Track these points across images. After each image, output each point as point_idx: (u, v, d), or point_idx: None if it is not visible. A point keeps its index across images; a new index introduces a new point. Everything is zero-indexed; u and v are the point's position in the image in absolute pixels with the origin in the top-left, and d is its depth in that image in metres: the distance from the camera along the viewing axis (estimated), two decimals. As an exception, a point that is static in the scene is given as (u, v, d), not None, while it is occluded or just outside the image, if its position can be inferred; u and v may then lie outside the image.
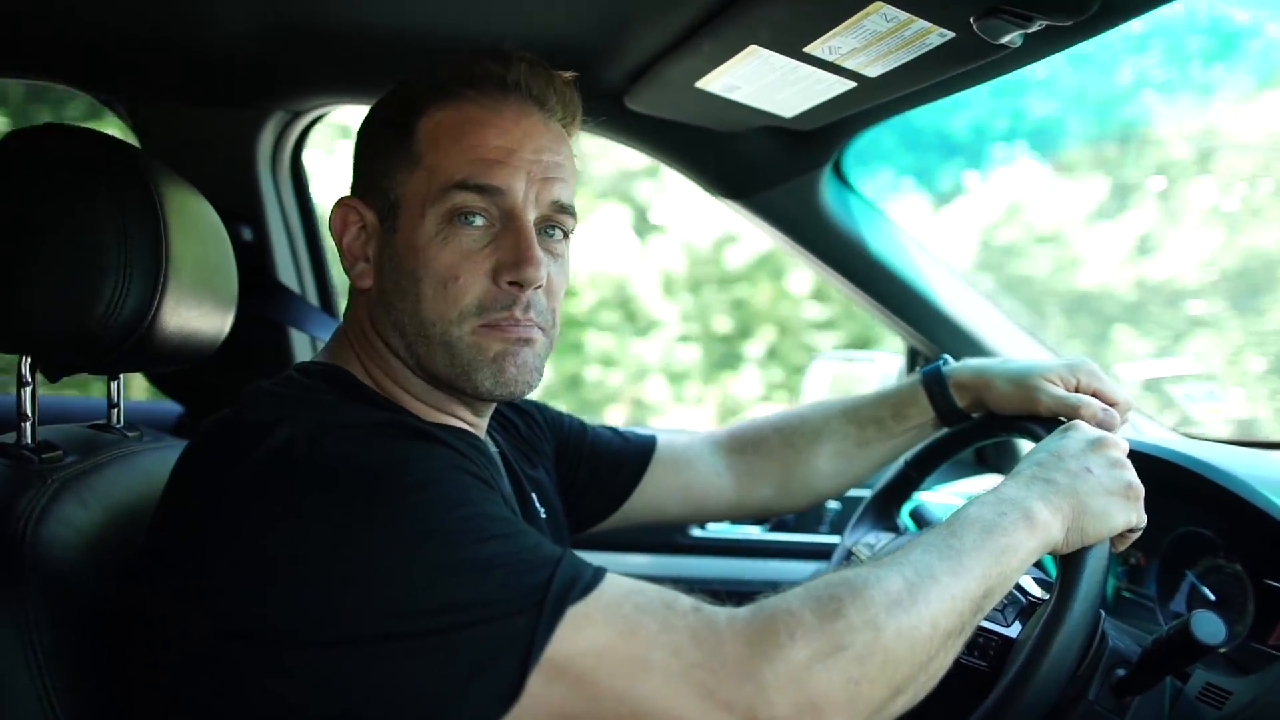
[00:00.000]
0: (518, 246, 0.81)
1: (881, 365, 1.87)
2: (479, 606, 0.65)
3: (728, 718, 0.65)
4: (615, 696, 0.65)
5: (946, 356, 1.19)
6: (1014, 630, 0.90)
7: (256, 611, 0.66)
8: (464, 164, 0.82)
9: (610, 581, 0.69)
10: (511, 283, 0.81)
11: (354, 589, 0.65)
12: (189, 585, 0.69)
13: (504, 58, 0.86)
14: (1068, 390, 1.04)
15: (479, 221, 0.82)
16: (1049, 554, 0.83)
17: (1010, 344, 1.67)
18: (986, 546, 0.76)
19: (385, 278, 0.86)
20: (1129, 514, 0.84)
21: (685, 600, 0.69)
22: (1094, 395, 1.03)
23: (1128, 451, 0.89)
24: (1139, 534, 0.86)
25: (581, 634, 0.65)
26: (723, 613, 0.68)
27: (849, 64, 1.09)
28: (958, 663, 0.85)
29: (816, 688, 0.65)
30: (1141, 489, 0.85)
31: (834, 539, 1.56)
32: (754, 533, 1.85)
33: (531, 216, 0.84)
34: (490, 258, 0.82)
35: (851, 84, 1.15)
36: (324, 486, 0.69)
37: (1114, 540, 0.85)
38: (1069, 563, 0.83)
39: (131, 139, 1.53)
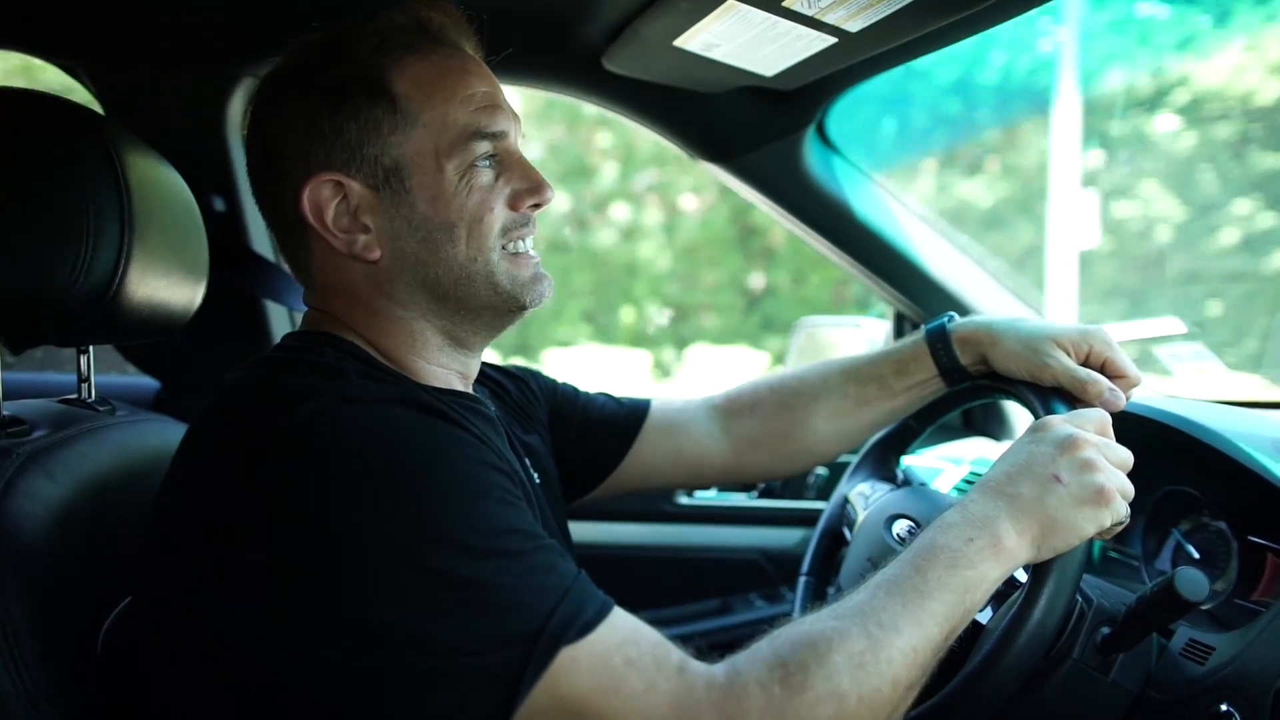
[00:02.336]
0: (529, 175, 0.89)
1: (868, 330, 1.86)
2: (474, 634, 0.66)
3: None
4: None
5: (952, 314, 1.15)
6: (985, 615, 0.89)
7: (262, 594, 0.67)
8: (468, 115, 0.86)
9: (609, 624, 0.69)
10: (533, 205, 0.90)
11: (356, 585, 0.66)
12: (204, 563, 0.69)
13: (436, 6, 0.89)
14: (1078, 358, 1.01)
15: (488, 163, 0.88)
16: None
17: (996, 306, 1.66)
18: (951, 584, 0.76)
19: (405, 239, 0.85)
20: (1100, 520, 0.80)
21: (674, 658, 0.70)
22: (1104, 366, 1.01)
23: (1111, 428, 0.87)
24: (1123, 526, 0.83)
25: (568, 679, 0.66)
26: (702, 677, 0.69)
27: (830, 18, 1.06)
28: None
29: None
30: (1116, 485, 0.81)
31: (820, 504, 1.55)
32: (741, 499, 1.85)
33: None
34: (505, 189, 0.88)
35: (833, 39, 1.13)
36: (341, 468, 0.69)
37: (1099, 532, 0.83)
38: (1042, 564, 0.82)
39: (97, 108, 1.49)
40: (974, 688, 0.80)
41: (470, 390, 0.95)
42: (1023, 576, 0.91)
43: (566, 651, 0.66)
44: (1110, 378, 0.99)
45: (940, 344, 1.12)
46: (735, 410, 1.24)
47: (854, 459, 1.27)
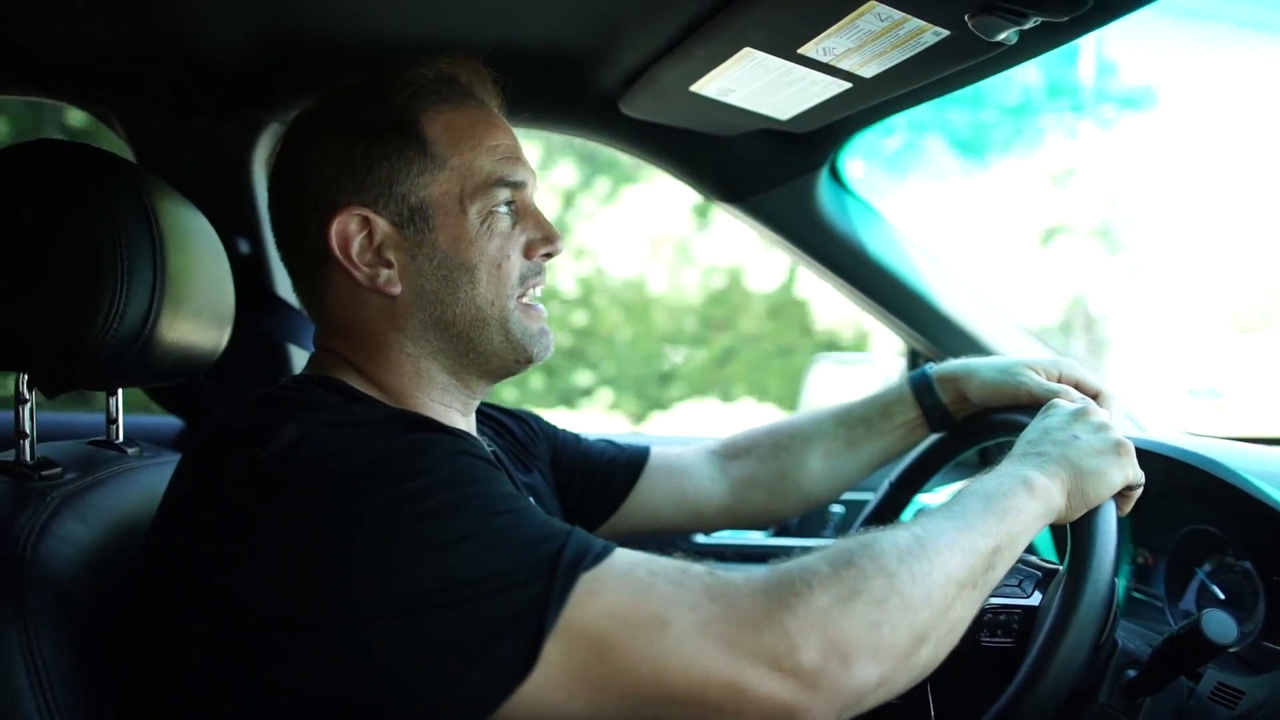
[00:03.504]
0: (543, 225, 0.93)
1: (882, 368, 1.86)
2: (490, 579, 0.65)
3: (754, 667, 0.65)
4: (637, 657, 0.65)
5: (931, 364, 1.22)
6: (1035, 600, 0.90)
7: (267, 603, 0.67)
8: (493, 163, 0.90)
9: (621, 551, 0.70)
10: (545, 255, 0.93)
11: (363, 572, 0.66)
12: (195, 586, 0.69)
13: (472, 64, 0.95)
14: (1050, 380, 1.07)
15: (507, 210, 0.91)
16: (1056, 522, 0.84)
17: (1010, 344, 1.66)
18: (990, 509, 0.78)
19: (426, 276, 0.88)
20: (1124, 470, 0.86)
21: (698, 565, 0.70)
22: (1076, 386, 1.07)
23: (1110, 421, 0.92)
24: (1139, 491, 0.89)
25: (596, 599, 0.66)
26: (738, 572, 0.69)
27: (844, 65, 1.09)
28: (985, 647, 0.84)
29: (839, 631, 0.66)
30: (1131, 446, 0.88)
31: (838, 542, 1.55)
32: (757, 538, 1.84)
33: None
34: (520, 237, 0.92)
35: (847, 85, 1.15)
36: (331, 477, 0.69)
37: (1118, 502, 0.87)
38: (1079, 526, 0.84)
39: (127, 154, 1.52)
40: (1046, 664, 0.79)
41: (472, 428, 0.97)
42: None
43: (587, 576, 0.66)
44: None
45: (923, 386, 1.20)
46: (732, 454, 1.28)
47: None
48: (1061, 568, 0.87)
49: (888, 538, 0.73)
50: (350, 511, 0.67)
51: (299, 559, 0.67)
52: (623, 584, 0.67)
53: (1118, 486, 0.86)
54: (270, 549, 0.68)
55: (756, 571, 0.69)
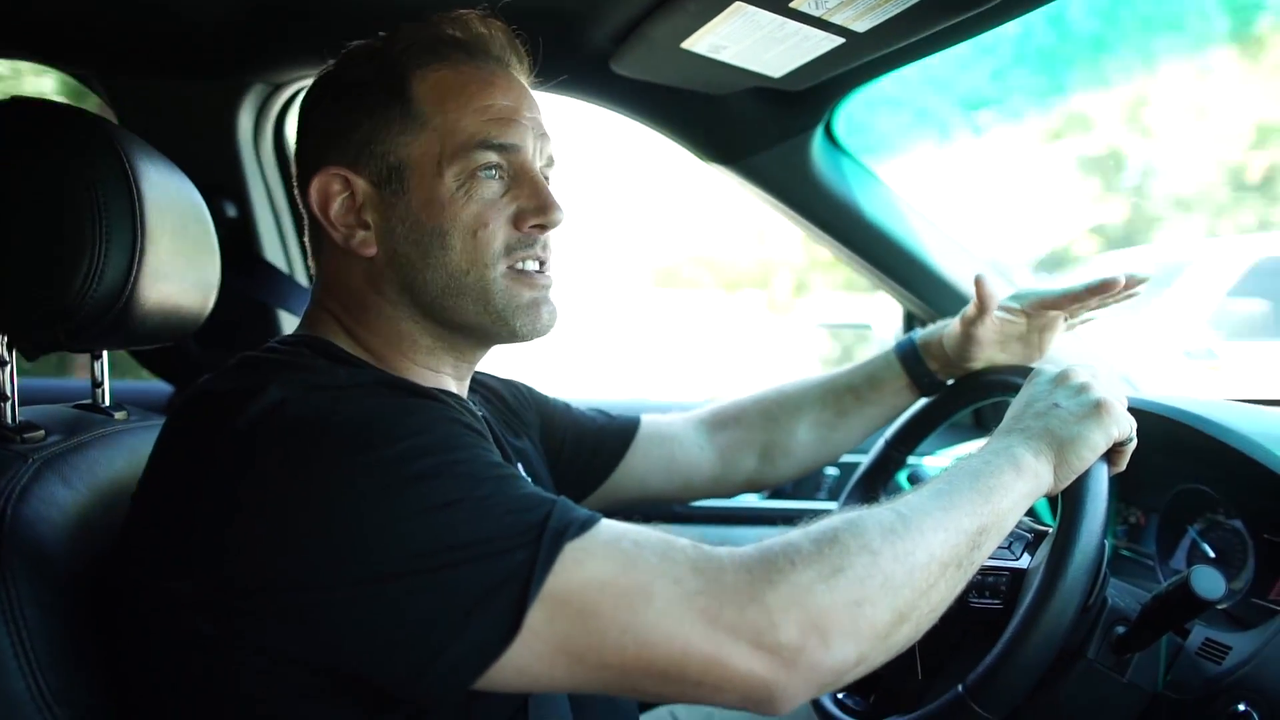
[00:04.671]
0: (538, 194, 0.87)
1: (879, 331, 1.86)
2: (476, 544, 0.65)
3: (734, 642, 0.65)
4: (619, 628, 0.65)
5: (918, 329, 1.23)
6: (1024, 562, 0.91)
7: (248, 567, 0.66)
8: (479, 123, 0.85)
9: (606, 522, 0.70)
10: (534, 226, 0.87)
11: (348, 534, 0.65)
12: (179, 550, 0.69)
13: (484, 21, 0.91)
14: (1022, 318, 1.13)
15: (495, 175, 0.86)
16: (1047, 494, 0.84)
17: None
18: (975, 487, 0.78)
19: (398, 240, 0.86)
20: (1107, 430, 0.85)
21: (683, 539, 0.70)
22: (1040, 308, 1.13)
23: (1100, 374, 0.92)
24: (1133, 444, 0.89)
25: (581, 567, 0.65)
26: (722, 548, 0.69)
27: (837, 18, 1.06)
28: (973, 608, 0.85)
29: (820, 609, 0.66)
30: (1115, 400, 0.87)
31: (831, 504, 1.55)
32: (752, 500, 1.84)
33: (538, 167, 0.90)
34: (510, 206, 0.87)
35: (840, 40, 1.12)
36: (315, 439, 0.68)
37: (1112, 458, 0.87)
38: (1069, 489, 0.84)
39: (110, 116, 1.50)
40: (1033, 624, 0.79)
41: (464, 393, 0.95)
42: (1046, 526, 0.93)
43: (573, 544, 0.66)
44: (1050, 310, 1.13)
45: (909, 353, 1.21)
46: (721, 423, 1.28)
47: (841, 497, 1.28)
48: (1051, 529, 0.87)
49: (872, 516, 0.72)
50: (332, 476, 0.67)
51: (281, 523, 0.66)
52: (608, 554, 0.66)
53: (1102, 449, 0.85)
54: (253, 512, 0.67)
55: (740, 548, 0.69)
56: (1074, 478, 0.84)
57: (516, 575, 0.64)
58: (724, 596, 0.65)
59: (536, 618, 0.64)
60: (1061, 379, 0.90)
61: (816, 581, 0.66)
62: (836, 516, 0.73)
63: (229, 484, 0.68)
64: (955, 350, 1.17)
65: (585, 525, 0.68)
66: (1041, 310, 1.13)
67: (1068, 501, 0.84)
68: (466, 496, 0.67)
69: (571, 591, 0.65)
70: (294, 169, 0.92)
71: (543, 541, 0.65)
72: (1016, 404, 0.91)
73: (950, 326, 1.18)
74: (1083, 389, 0.88)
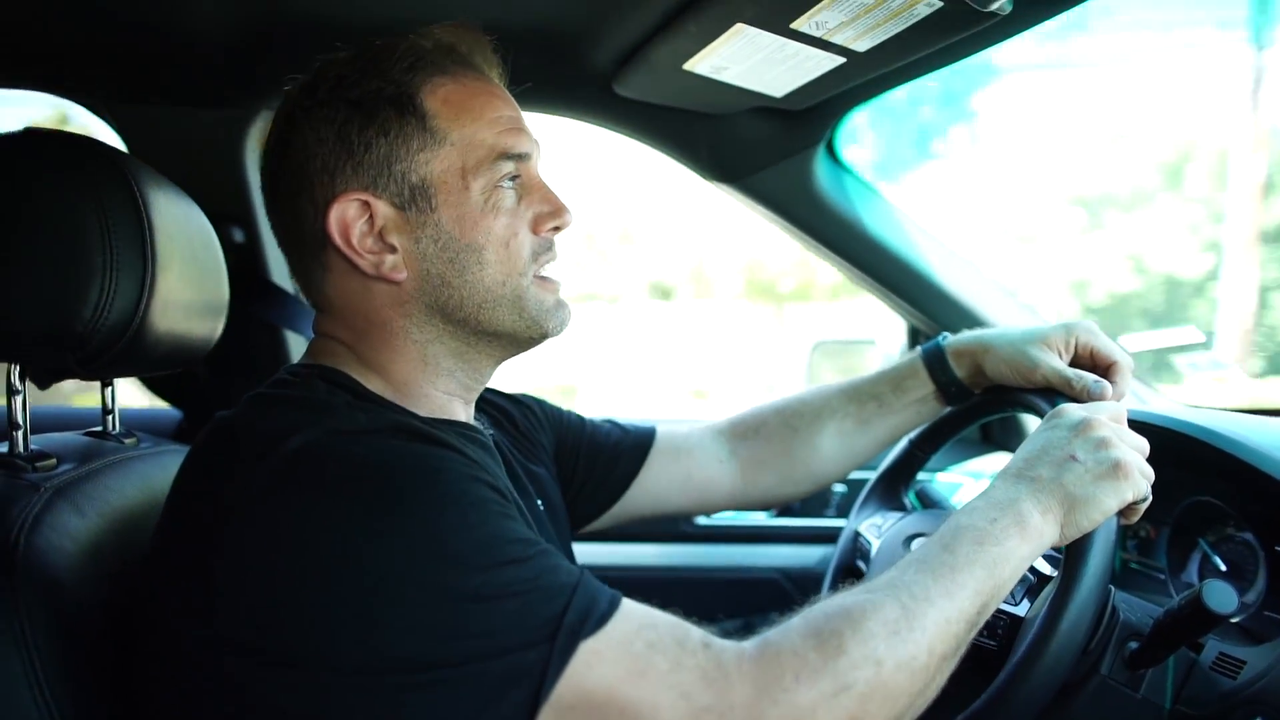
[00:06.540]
0: (550, 199, 0.90)
1: (883, 347, 1.86)
2: (490, 638, 0.65)
3: None
4: None
5: (946, 334, 1.18)
6: (1023, 609, 0.89)
7: (262, 627, 0.66)
8: (494, 135, 0.86)
9: (624, 613, 0.69)
10: (553, 228, 0.90)
11: (363, 611, 0.65)
12: (195, 597, 0.68)
13: (471, 31, 0.91)
14: (1066, 352, 1.04)
15: (512, 184, 0.87)
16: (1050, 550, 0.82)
17: (1010, 320, 1.65)
18: (980, 559, 0.76)
19: (430, 260, 0.84)
20: (1121, 493, 0.81)
21: (695, 635, 0.69)
22: (1090, 354, 1.04)
23: (1126, 418, 0.88)
24: (1147, 504, 0.84)
25: (593, 671, 0.66)
26: (730, 650, 0.69)
27: (837, 39, 1.07)
28: (970, 646, 0.84)
29: None
30: (1134, 461, 0.82)
31: (840, 522, 1.55)
32: (759, 518, 1.84)
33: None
34: (527, 212, 0.88)
35: (841, 59, 1.14)
36: (337, 500, 0.68)
37: (1123, 514, 0.84)
38: (1073, 544, 0.82)
39: (119, 144, 1.51)
40: (1024, 676, 0.79)
41: (471, 417, 0.95)
42: (1049, 571, 0.92)
43: (586, 644, 0.66)
44: (1099, 366, 1.03)
45: (936, 360, 1.15)
46: (741, 434, 1.24)
47: (861, 493, 1.27)
48: (1055, 576, 0.85)
49: (876, 613, 0.71)
50: (350, 548, 0.66)
51: (291, 591, 0.66)
52: (619, 658, 0.66)
53: (1112, 512, 0.81)
54: (266, 570, 0.67)
55: (748, 653, 0.69)
56: (1079, 535, 0.81)
57: (529, 676, 0.65)
58: (729, 714, 0.66)
59: (545, 716, 0.65)
60: (1083, 428, 0.84)
61: (819, 702, 0.66)
62: (842, 608, 0.72)
63: (241, 537, 0.68)
64: (1013, 362, 1.06)
65: (602, 619, 0.67)
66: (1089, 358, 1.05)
67: (1071, 555, 0.82)
68: (484, 583, 0.66)
69: (580, 696, 0.65)
70: (280, 191, 0.87)
71: (558, 640, 0.65)
72: (1032, 445, 0.86)
73: (1002, 344, 1.08)
74: (1102, 444, 0.83)
